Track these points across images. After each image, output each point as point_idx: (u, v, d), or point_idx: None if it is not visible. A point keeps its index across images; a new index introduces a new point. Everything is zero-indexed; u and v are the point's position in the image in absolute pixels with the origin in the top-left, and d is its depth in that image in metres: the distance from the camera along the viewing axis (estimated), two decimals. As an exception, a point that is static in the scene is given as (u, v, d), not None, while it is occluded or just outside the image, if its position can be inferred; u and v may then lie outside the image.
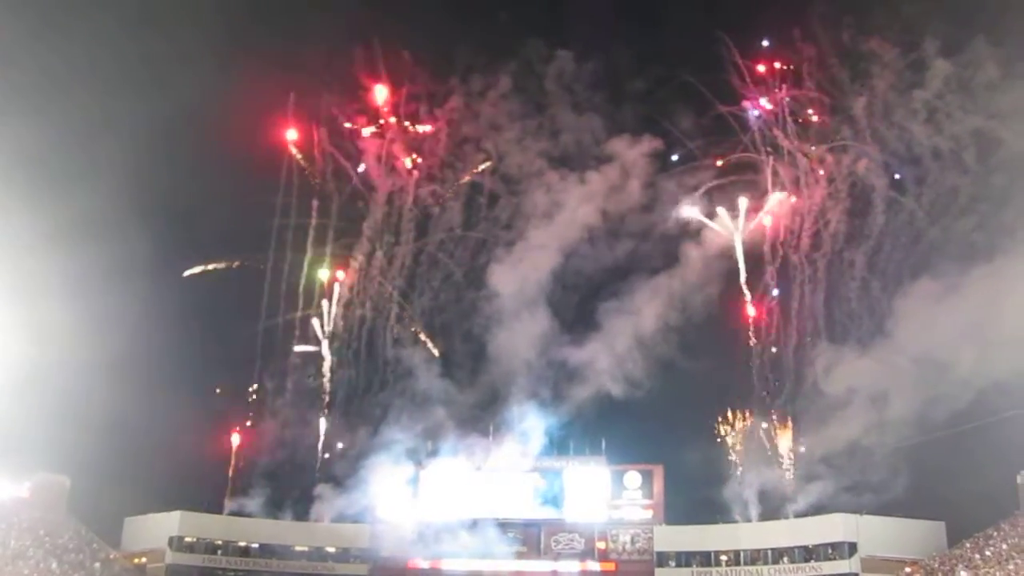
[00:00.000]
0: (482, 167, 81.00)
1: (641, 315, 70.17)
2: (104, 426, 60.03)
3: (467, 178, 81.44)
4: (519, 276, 72.34)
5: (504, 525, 71.84)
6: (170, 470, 66.95)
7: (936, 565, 61.47)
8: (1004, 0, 60.83)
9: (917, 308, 62.82)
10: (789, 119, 76.38)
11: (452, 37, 74.51)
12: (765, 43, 76.81)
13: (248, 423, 77.64)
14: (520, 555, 71.62)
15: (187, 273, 77.46)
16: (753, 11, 72.75)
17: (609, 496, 72.71)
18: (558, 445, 73.07)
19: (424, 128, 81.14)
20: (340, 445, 77.71)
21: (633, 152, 74.57)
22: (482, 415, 73.44)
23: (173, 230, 72.26)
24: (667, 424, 69.31)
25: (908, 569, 62.36)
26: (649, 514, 72.16)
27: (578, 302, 73.55)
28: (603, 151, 75.75)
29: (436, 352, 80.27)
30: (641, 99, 76.72)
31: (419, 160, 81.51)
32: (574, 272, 73.28)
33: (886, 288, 68.65)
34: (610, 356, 69.38)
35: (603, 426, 72.04)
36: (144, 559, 68.68)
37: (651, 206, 75.97)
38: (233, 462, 76.06)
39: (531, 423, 71.12)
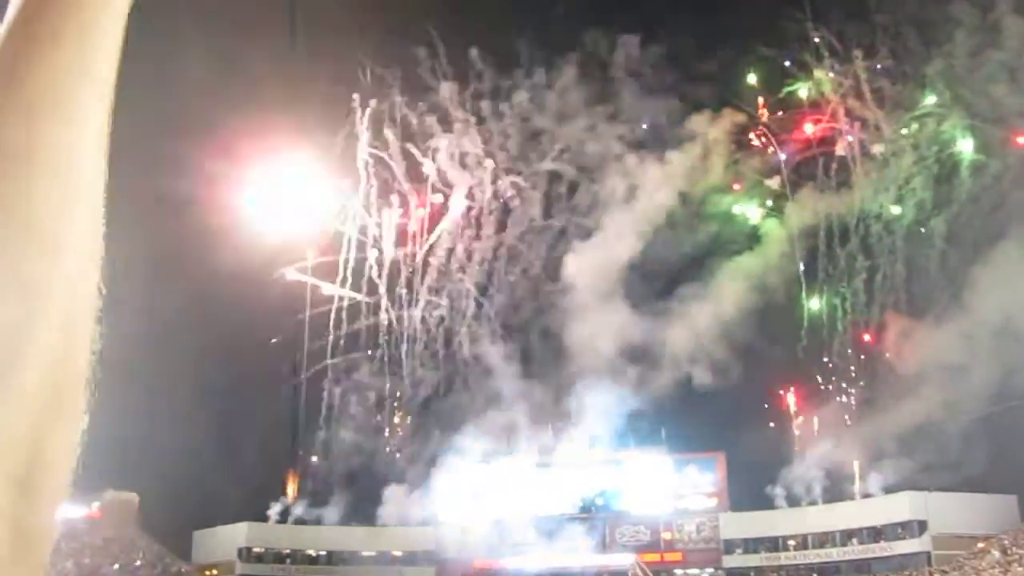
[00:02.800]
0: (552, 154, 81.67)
1: (714, 301, 70.41)
2: (170, 440, 60.76)
3: (543, 167, 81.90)
4: (594, 266, 72.86)
5: (569, 520, 71.90)
6: (238, 482, 67.39)
7: (1009, 540, 61.09)
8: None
9: (993, 276, 62.23)
10: (867, 88, 76.39)
11: (510, 33, 75.42)
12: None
13: (318, 430, 78.08)
14: (586, 550, 71.61)
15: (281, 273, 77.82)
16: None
17: (672, 486, 72.67)
18: (619, 437, 72.89)
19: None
20: (409, 447, 78.01)
21: (713, 129, 75.46)
22: (547, 410, 73.67)
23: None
24: (729, 410, 69.12)
25: (981, 545, 61.95)
26: (713, 502, 72.09)
27: (653, 289, 73.94)
28: (680, 131, 76.38)
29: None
30: (713, 78, 76.83)
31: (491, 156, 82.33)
32: (652, 259, 73.77)
33: (964, 257, 68.06)
34: (681, 344, 69.78)
35: (663, 415, 71.85)
36: (215, 571, 69.28)
37: (729, 186, 77.01)
38: (297, 470, 76.65)
39: (594, 416, 71.01)
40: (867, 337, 73.40)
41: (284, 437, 77.22)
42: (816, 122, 79.61)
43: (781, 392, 74.04)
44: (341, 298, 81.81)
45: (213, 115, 67.32)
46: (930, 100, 74.44)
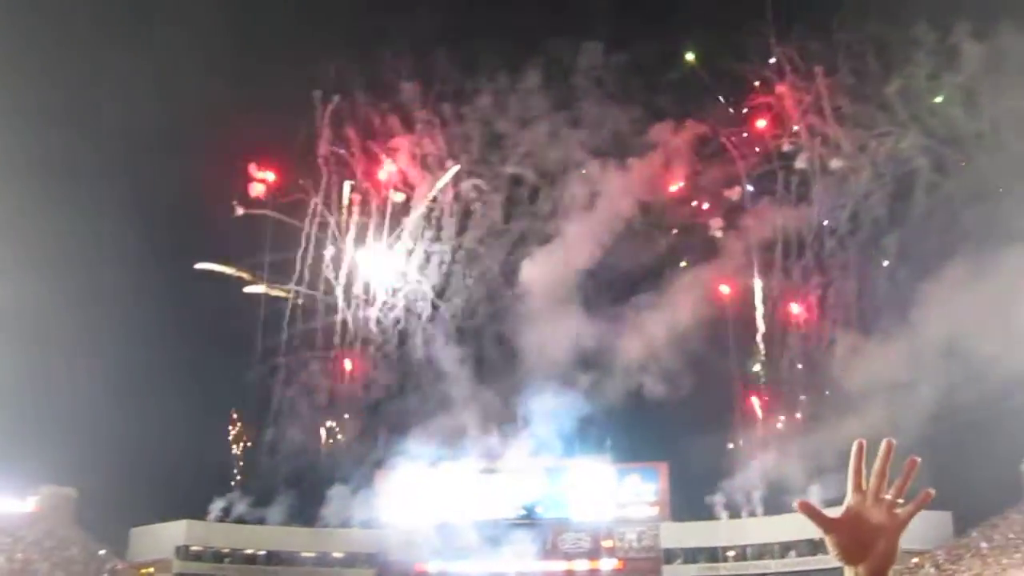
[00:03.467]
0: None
1: (668, 310, 70.56)
2: (110, 436, 60.29)
3: (505, 170, 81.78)
4: (551, 272, 72.87)
5: (511, 526, 71.84)
6: (176, 478, 66.96)
7: (943, 556, 61.52)
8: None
9: (940, 295, 62.74)
10: (827, 105, 77.00)
11: (473, 37, 75.38)
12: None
13: (257, 427, 77.62)
14: (527, 555, 71.52)
15: (198, 266, 77.09)
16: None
17: (615, 494, 72.77)
18: (564, 445, 72.87)
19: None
20: (356, 448, 77.71)
21: (675, 139, 75.76)
22: (496, 415, 73.62)
23: (182, 229, 72.08)
24: (674, 420, 69.29)
25: (915, 560, 62.36)
26: (655, 511, 72.27)
27: (608, 297, 74.00)
28: (642, 139, 76.55)
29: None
30: (676, 88, 77.00)
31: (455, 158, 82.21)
32: (609, 267, 73.89)
33: (914, 274, 68.64)
34: (633, 352, 69.82)
35: (610, 424, 72.01)
36: (152, 569, 68.75)
37: (690, 196, 77.29)
38: (240, 467, 76.22)
39: (541, 423, 71.06)
40: (815, 350, 73.70)
41: (228, 434, 76.68)
42: (776, 136, 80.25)
43: (727, 403, 74.37)
44: (297, 295, 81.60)
45: (171, 109, 67.55)
46: (888, 118, 75.12)
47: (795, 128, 79.49)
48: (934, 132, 73.25)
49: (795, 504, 2.87)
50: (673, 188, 79.10)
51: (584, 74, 78.70)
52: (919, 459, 2.87)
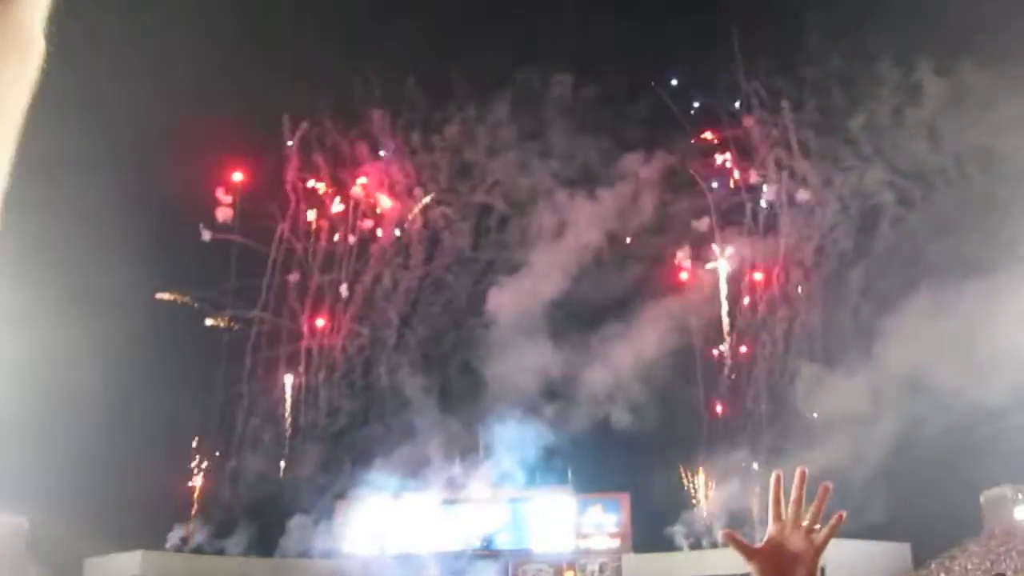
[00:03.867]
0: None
1: (635, 341, 70.56)
2: (63, 463, 59.27)
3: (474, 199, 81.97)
4: (518, 302, 72.88)
5: (473, 557, 71.23)
6: (132, 507, 65.90)
7: (902, 588, 61.61)
8: (992, 22, 61.76)
9: (901, 329, 63.32)
10: (794, 139, 78.12)
11: (443, 65, 75.86)
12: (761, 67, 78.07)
13: (216, 454, 76.77)
14: (488, 587, 71.06)
15: (158, 296, 76.70)
16: (750, 34, 74.37)
17: (577, 525, 72.36)
18: (526, 475, 72.67)
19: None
20: (312, 477, 76.96)
21: (645, 169, 76.36)
22: (459, 445, 73.29)
23: (144, 257, 71.51)
24: (637, 451, 69.20)
25: (875, 592, 62.38)
26: (616, 543, 71.81)
27: (575, 327, 73.97)
28: (612, 170, 77.10)
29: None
30: (644, 120, 77.79)
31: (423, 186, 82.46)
32: (576, 297, 73.95)
33: (878, 308, 69.35)
34: (599, 383, 69.78)
35: (573, 454, 71.78)
36: (105, 600, 67.57)
37: (658, 228, 77.82)
38: (198, 497, 75.15)
39: (504, 453, 70.77)
40: (778, 382, 74.11)
41: (188, 463, 75.70)
42: (744, 169, 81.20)
43: (691, 434, 74.46)
44: (263, 321, 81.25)
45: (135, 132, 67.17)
46: (854, 152, 76.33)
47: (761, 161, 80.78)
48: (898, 167, 74.63)
49: (721, 535, 3.07)
50: (641, 219, 79.70)
51: (553, 105, 79.60)
52: (831, 485, 3.07)
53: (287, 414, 79.09)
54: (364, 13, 74.04)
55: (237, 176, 79.57)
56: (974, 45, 65.69)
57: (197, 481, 75.38)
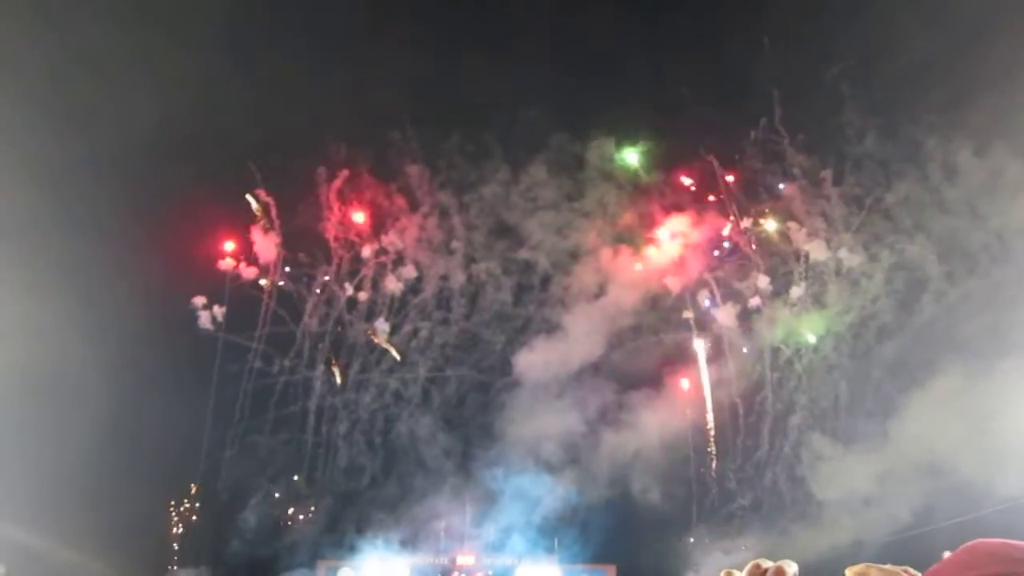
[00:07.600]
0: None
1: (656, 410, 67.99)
2: (45, 508, 59.40)
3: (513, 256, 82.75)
4: (546, 365, 71.84)
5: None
6: (109, 547, 66.41)
7: None
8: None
9: (916, 410, 59.48)
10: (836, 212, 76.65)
11: (487, 127, 77.14)
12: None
13: (214, 505, 77.47)
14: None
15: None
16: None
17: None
18: (510, 545, 69.98)
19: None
20: (306, 534, 76.41)
21: (691, 232, 75.04)
22: (458, 510, 71.72)
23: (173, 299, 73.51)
24: (622, 523, 65.64)
25: None
26: (604, 616, 67.32)
27: (603, 394, 72.04)
28: (653, 235, 76.27)
29: None
30: (691, 185, 77.13)
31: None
32: (609, 363, 72.30)
33: (897, 386, 64.89)
34: (610, 454, 67.40)
35: (555, 525, 68.68)
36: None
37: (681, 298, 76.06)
38: (176, 535, 75.73)
39: (485, 523, 68.85)
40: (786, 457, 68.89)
41: (180, 510, 76.71)
42: (787, 238, 78.56)
43: (682, 505, 69.95)
44: (292, 372, 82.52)
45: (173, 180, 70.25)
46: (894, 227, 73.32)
47: (805, 230, 77.91)
48: (939, 242, 71.17)
49: None
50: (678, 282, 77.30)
51: (595, 167, 79.29)
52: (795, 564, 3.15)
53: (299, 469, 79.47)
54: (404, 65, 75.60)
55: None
56: (1010, 129, 62.68)
57: (188, 528, 76.05)
